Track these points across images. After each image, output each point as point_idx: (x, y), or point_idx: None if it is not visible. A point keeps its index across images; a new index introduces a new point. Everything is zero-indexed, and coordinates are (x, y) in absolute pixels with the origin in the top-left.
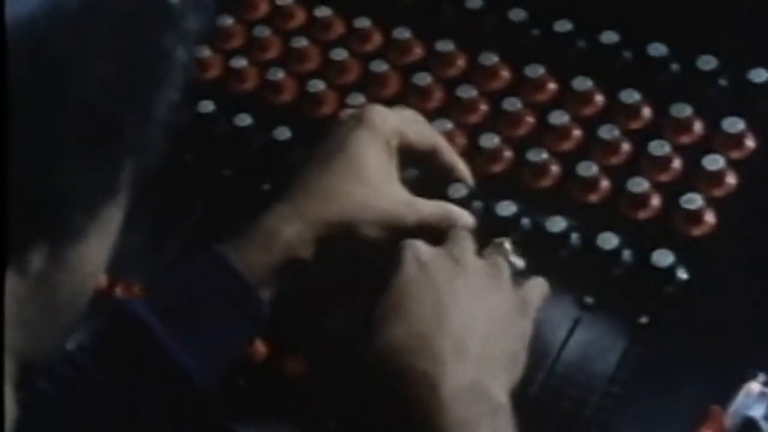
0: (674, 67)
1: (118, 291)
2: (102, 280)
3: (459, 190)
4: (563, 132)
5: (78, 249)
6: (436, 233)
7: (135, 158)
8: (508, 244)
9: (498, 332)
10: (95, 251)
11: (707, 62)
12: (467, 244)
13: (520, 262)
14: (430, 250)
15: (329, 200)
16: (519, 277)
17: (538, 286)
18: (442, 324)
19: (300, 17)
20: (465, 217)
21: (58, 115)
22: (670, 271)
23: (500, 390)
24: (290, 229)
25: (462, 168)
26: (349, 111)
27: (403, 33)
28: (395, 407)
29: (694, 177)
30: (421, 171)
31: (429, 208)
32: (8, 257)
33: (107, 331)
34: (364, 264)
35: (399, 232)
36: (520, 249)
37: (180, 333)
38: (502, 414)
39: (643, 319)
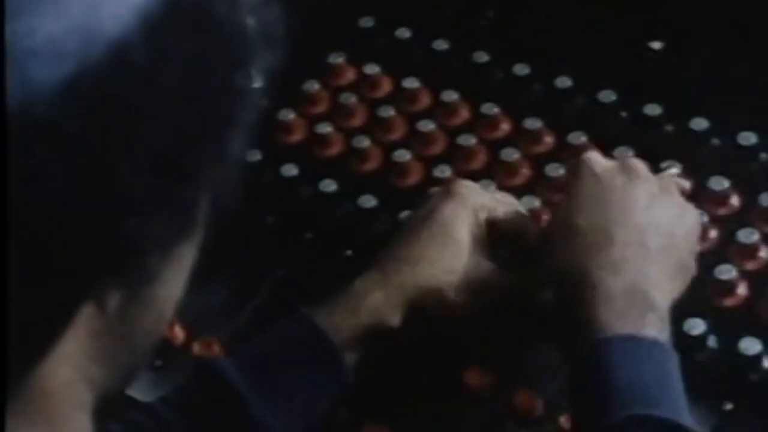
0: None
1: (196, 347)
2: (180, 334)
3: None
4: None
5: (153, 288)
6: None
7: (209, 197)
8: (675, 170)
9: (668, 242)
10: (169, 287)
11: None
12: (641, 164)
13: (686, 184)
14: (607, 163)
15: (417, 266)
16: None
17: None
18: (610, 235)
19: (386, 86)
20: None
21: (128, 164)
22: (757, 358)
23: (661, 295)
24: (378, 293)
25: None
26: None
27: (491, 108)
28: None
29: None
30: (509, 250)
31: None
32: (86, 294)
33: (193, 388)
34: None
35: (485, 300)
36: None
37: (264, 394)
38: (656, 314)
39: (728, 406)
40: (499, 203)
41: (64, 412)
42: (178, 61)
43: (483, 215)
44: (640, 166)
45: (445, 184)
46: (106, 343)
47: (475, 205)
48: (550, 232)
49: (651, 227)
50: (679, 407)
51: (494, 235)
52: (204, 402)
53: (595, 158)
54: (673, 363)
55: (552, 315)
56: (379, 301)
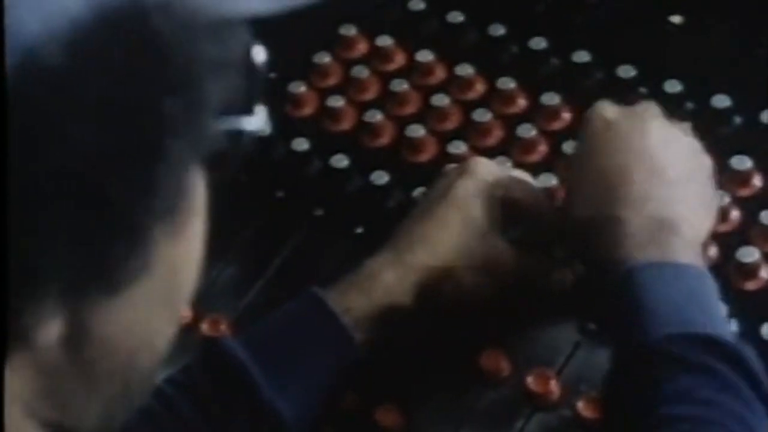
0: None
1: (204, 327)
2: (186, 313)
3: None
4: None
5: (111, 314)
6: None
7: (153, 223)
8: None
9: (686, 176)
10: (141, 318)
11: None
12: (650, 108)
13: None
14: (616, 109)
15: (431, 245)
16: None
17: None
18: (628, 176)
19: (399, 59)
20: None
21: (38, 181)
22: None
23: (688, 226)
24: (391, 274)
25: None
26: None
27: (507, 83)
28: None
29: None
30: (525, 229)
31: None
32: (13, 324)
33: (199, 367)
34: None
35: (500, 280)
36: None
37: (273, 374)
38: (684, 241)
39: None
40: (515, 181)
41: None
42: (98, 73)
43: (499, 194)
44: (651, 108)
45: (461, 161)
46: (62, 382)
47: (490, 184)
48: (570, 184)
49: (669, 162)
50: (715, 323)
51: (510, 214)
52: (212, 382)
53: (606, 105)
54: (706, 283)
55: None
56: (391, 281)
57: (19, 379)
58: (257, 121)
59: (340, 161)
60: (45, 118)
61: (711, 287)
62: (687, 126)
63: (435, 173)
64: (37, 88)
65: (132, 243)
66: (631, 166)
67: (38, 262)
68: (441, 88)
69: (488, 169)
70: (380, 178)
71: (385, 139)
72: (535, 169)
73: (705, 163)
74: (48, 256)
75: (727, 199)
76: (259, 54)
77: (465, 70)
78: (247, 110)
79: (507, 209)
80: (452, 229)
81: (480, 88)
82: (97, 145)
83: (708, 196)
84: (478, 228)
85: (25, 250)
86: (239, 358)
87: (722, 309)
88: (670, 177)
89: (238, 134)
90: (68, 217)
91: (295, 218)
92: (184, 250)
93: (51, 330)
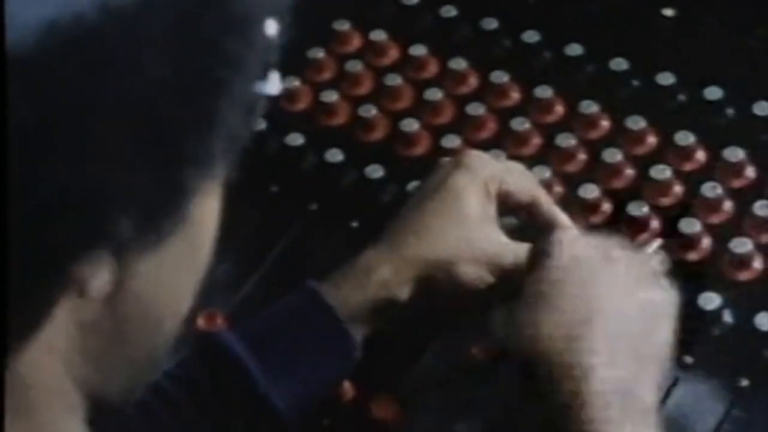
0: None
1: (201, 321)
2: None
3: None
4: (665, 186)
5: (147, 273)
6: None
7: (197, 171)
8: (654, 246)
9: (650, 330)
10: (170, 279)
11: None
12: (618, 240)
13: (662, 265)
14: (582, 241)
15: (426, 239)
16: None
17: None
18: (595, 318)
19: (393, 54)
20: None
21: (106, 114)
22: None
23: (649, 391)
24: (386, 267)
25: (564, 221)
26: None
27: (500, 77)
28: (540, 397)
29: None
30: (520, 220)
31: (525, 250)
32: (65, 275)
33: (195, 360)
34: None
35: (496, 272)
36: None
37: (270, 368)
38: (648, 417)
39: (743, 382)
40: (511, 174)
41: (46, 409)
42: (167, 14)
43: (494, 186)
44: (619, 246)
45: (456, 154)
46: (98, 340)
47: (485, 176)
48: (522, 304)
49: (632, 314)
50: None
51: (505, 207)
52: (208, 375)
53: (571, 237)
54: None
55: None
56: (387, 274)
57: (60, 333)
58: (272, 85)
59: (335, 156)
60: (119, 52)
61: None
62: (649, 263)
63: (429, 167)
64: (111, 21)
65: (184, 187)
66: (595, 316)
67: (108, 200)
68: (434, 82)
69: (483, 162)
70: (375, 172)
71: (379, 134)
72: (529, 162)
73: (671, 308)
74: (119, 189)
75: (719, 191)
76: (271, 26)
77: (458, 64)
78: (262, 75)
79: (502, 201)
80: (447, 222)
81: (473, 81)
82: (167, 78)
83: (666, 351)
84: (472, 221)
85: (97, 189)
86: (235, 351)
87: None
88: (633, 329)
89: (256, 96)
90: (140, 151)
91: (290, 213)
92: (210, 212)
93: (103, 283)
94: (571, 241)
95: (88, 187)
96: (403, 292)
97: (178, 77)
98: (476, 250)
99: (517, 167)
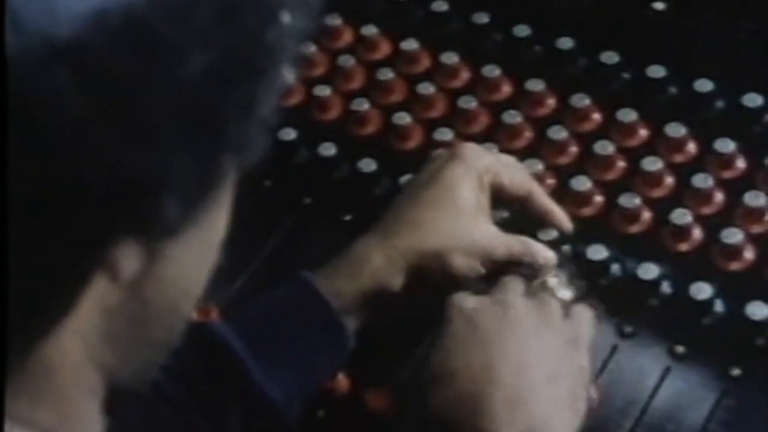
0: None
1: (195, 315)
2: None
3: (548, 233)
4: (656, 178)
5: (173, 257)
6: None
7: (234, 157)
8: (552, 281)
9: (553, 372)
10: (187, 266)
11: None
12: (514, 287)
13: (567, 294)
14: (475, 300)
15: (420, 230)
16: (567, 305)
17: (583, 316)
18: (493, 378)
19: (385, 48)
20: (548, 253)
21: (152, 97)
22: (764, 323)
23: (563, 430)
24: (379, 257)
25: (557, 213)
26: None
27: (491, 71)
28: None
29: None
30: (512, 213)
31: (517, 242)
32: (103, 257)
33: (189, 351)
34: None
35: (488, 264)
36: (568, 278)
37: (264, 358)
38: None
39: (735, 371)
40: (504, 166)
41: (69, 393)
42: (211, 3)
43: (487, 178)
44: (511, 292)
45: (450, 146)
46: (120, 324)
47: (479, 168)
48: (421, 381)
49: (535, 358)
50: None
51: (499, 199)
52: (202, 366)
53: (463, 297)
54: None
55: None
56: (380, 264)
57: (83, 316)
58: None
59: (328, 149)
60: (166, 42)
61: None
62: (549, 303)
63: (422, 160)
64: (157, 13)
65: (222, 173)
66: (496, 367)
67: (153, 184)
68: (426, 76)
69: (477, 154)
70: (368, 165)
71: (372, 128)
72: (521, 155)
73: (569, 341)
74: (163, 174)
75: (710, 181)
76: (285, 15)
77: (450, 58)
78: (291, 63)
79: (496, 194)
80: (440, 213)
81: (465, 75)
82: (213, 66)
83: (577, 387)
84: (466, 212)
85: (143, 173)
86: (229, 342)
87: None
88: (538, 376)
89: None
90: (185, 137)
91: (284, 206)
92: (228, 198)
93: (134, 266)
94: (464, 303)
95: (134, 172)
96: (396, 282)
97: (223, 65)
98: (469, 242)
99: (511, 160)
